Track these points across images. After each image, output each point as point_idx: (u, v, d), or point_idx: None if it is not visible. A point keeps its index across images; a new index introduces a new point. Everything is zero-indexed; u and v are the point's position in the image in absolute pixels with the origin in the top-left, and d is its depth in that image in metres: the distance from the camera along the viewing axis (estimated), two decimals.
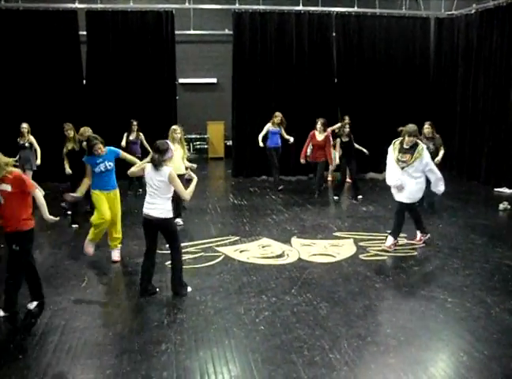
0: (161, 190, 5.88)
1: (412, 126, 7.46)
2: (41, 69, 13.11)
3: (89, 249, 7.28)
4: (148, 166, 5.95)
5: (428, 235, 8.01)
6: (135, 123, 11.90)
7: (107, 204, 7.17)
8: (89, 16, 13.43)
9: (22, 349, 4.83)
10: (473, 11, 13.60)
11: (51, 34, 13.16)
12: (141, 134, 11.90)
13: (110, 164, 7.18)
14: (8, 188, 5.45)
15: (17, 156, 10.69)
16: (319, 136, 11.23)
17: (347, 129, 11.28)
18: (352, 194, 11.50)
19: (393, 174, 7.49)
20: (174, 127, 9.07)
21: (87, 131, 8.87)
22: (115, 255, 7.42)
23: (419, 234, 7.99)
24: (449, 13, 14.65)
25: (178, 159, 8.59)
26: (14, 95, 12.94)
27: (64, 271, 6.94)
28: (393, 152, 7.50)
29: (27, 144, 10.85)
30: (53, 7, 13.21)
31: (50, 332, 5.19)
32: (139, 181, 11.42)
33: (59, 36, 13.21)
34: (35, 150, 10.96)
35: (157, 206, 5.88)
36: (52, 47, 13.16)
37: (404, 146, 7.41)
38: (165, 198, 5.92)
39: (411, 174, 7.38)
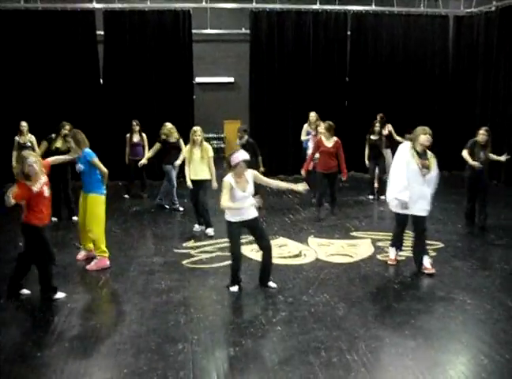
0: None
1: (425, 126, 6.64)
2: (58, 68, 13.18)
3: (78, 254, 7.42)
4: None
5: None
6: (135, 123, 11.43)
7: (81, 207, 7.08)
8: (106, 16, 13.47)
9: (40, 346, 4.85)
10: (493, 8, 13.41)
11: (69, 33, 13.23)
12: (143, 135, 11.53)
13: (80, 166, 6.92)
14: (46, 178, 5.91)
15: (16, 155, 10.53)
16: (327, 143, 9.40)
17: (377, 128, 11.11)
18: (377, 195, 11.14)
19: (403, 185, 6.44)
20: (194, 129, 8.64)
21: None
22: (81, 253, 7.34)
23: (428, 260, 6.74)
24: (469, 10, 14.48)
25: (197, 163, 8.47)
26: (31, 95, 13.02)
27: (82, 270, 6.97)
28: (412, 158, 6.45)
29: (28, 144, 10.86)
30: (71, 7, 13.29)
31: (67, 330, 5.21)
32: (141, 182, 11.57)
33: (77, 36, 13.29)
34: (34, 150, 10.93)
35: None
36: (70, 47, 13.23)
37: (419, 149, 6.51)
38: None
39: (429, 181, 6.54)
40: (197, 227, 8.78)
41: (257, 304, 5.79)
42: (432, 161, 6.56)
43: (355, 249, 7.79)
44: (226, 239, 8.04)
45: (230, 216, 6.06)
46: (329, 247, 7.88)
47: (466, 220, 9.02)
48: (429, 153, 6.61)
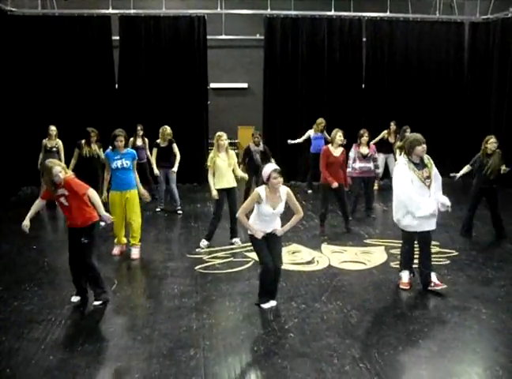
0: None
1: (417, 134, 6.21)
2: (74, 73, 13.30)
3: (114, 249, 7.84)
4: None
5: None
6: (139, 128, 11.54)
7: (119, 207, 7.47)
8: (122, 22, 13.57)
9: (52, 350, 4.86)
10: (510, 15, 13.32)
11: (85, 39, 13.36)
12: (146, 140, 11.57)
13: (127, 163, 7.48)
14: (65, 192, 5.75)
15: (41, 158, 10.98)
16: (336, 152, 8.85)
17: (408, 133, 11.04)
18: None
19: (418, 203, 6.00)
20: (219, 133, 8.10)
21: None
22: (134, 253, 7.67)
23: (435, 276, 6.41)
24: (485, 17, 14.38)
25: (226, 170, 8.01)
26: (47, 99, 13.16)
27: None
28: (413, 172, 6.04)
29: (55, 148, 11.05)
30: (87, 13, 13.42)
31: (79, 333, 5.22)
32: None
33: (93, 41, 13.41)
34: (60, 154, 11.10)
35: None
36: (85, 52, 13.35)
37: (415, 161, 6.11)
38: None
39: (433, 189, 6.16)
40: (204, 243, 8.19)
41: (270, 310, 5.76)
42: (430, 166, 6.16)
43: (369, 256, 7.75)
44: (239, 245, 8.12)
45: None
46: (343, 254, 7.84)
47: (462, 230, 8.72)
48: (425, 158, 6.20)
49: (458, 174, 8.77)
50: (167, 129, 10.47)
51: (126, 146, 7.64)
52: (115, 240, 7.84)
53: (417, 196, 6.04)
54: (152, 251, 8.04)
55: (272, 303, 5.88)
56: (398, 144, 9.62)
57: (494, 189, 8.58)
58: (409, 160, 6.12)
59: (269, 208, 5.60)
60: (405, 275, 6.49)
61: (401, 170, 6.12)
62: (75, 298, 5.99)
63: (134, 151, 7.78)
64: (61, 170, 5.72)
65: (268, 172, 5.52)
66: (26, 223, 5.83)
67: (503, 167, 8.53)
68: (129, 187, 7.53)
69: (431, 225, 6.23)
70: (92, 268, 5.90)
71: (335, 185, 8.71)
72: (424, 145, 6.09)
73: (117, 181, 7.51)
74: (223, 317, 5.63)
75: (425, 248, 6.36)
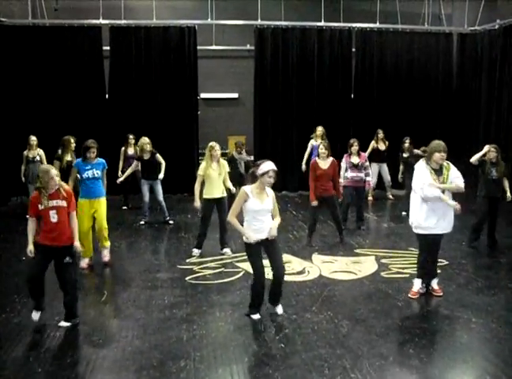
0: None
1: (440, 141, 6.25)
2: (65, 83, 13.28)
3: (81, 263, 7.59)
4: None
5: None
6: (131, 137, 11.64)
7: (87, 216, 7.51)
8: (113, 32, 13.59)
9: (41, 362, 4.81)
10: (497, 26, 13.48)
11: (76, 49, 13.36)
12: (138, 148, 11.43)
13: (97, 172, 7.57)
14: (64, 204, 5.56)
15: (24, 169, 11.03)
16: (323, 164, 8.73)
17: (406, 144, 11.17)
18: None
19: (436, 192, 6.07)
20: (211, 144, 8.15)
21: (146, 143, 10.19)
22: (105, 255, 7.81)
23: (436, 281, 6.63)
24: (473, 28, 14.54)
25: (216, 180, 8.12)
26: (38, 109, 13.11)
27: (84, 285, 6.95)
28: (430, 175, 6.14)
29: (37, 158, 11.00)
30: (78, 23, 13.44)
31: (68, 346, 5.18)
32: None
33: (83, 51, 13.41)
34: (44, 163, 11.01)
35: None
36: (76, 62, 13.34)
37: (434, 167, 6.18)
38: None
39: (448, 194, 6.22)
40: (196, 252, 8.31)
41: (260, 321, 5.74)
42: (447, 174, 6.20)
43: (359, 266, 7.76)
44: (230, 255, 8.11)
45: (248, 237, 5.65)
46: (333, 264, 7.85)
47: (471, 235, 8.75)
48: (444, 164, 6.24)
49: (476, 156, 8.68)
50: (145, 141, 10.19)
51: (97, 156, 7.65)
52: (81, 252, 7.17)
53: (432, 186, 6.08)
54: (142, 262, 8.00)
55: (279, 310, 5.90)
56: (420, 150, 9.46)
57: (497, 198, 8.56)
58: (428, 165, 6.20)
59: (257, 202, 5.60)
60: (417, 284, 6.51)
61: (420, 172, 6.21)
62: (36, 315, 5.66)
63: (104, 161, 7.73)
64: (57, 174, 5.55)
65: (266, 169, 5.60)
66: (30, 248, 5.50)
67: (508, 194, 8.71)
68: (98, 195, 7.61)
69: (445, 228, 6.28)
70: (75, 288, 5.71)
71: (314, 203, 8.70)
72: (443, 153, 6.14)
73: (87, 190, 7.55)
74: (213, 328, 5.60)
75: (432, 252, 6.46)
